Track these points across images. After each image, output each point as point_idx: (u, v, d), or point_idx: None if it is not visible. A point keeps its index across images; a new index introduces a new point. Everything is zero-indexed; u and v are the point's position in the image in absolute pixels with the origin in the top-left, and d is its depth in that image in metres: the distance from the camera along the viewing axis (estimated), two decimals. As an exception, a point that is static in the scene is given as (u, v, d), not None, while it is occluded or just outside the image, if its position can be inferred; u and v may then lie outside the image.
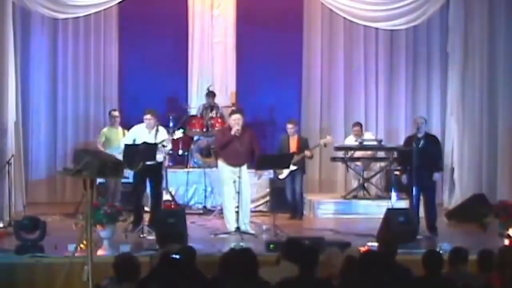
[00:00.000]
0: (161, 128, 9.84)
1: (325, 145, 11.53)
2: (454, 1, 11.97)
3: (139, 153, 9.25)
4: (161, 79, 12.90)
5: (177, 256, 5.47)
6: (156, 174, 9.74)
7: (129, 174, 10.18)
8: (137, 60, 12.99)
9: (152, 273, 5.29)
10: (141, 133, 9.71)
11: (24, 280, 7.56)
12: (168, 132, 9.97)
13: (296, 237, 7.95)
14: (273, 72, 13.10)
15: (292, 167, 10.87)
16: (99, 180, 9.75)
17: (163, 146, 9.70)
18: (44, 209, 11.26)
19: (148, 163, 9.31)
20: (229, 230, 9.50)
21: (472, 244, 7.74)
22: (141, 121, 9.98)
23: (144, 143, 9.40)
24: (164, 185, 10.69)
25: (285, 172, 11.00)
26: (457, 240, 9.06)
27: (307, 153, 11.10)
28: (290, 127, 11.24)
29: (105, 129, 11.58)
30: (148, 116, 9.72)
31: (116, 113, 11.45)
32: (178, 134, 10.19)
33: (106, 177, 8.25)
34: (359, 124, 12.15)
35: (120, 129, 11.30)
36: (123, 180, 10.60)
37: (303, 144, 11.23)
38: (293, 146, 11.17)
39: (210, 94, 12.41)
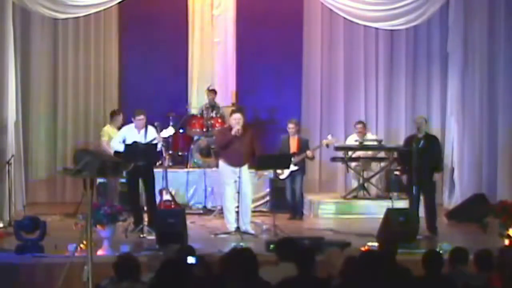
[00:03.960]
0: (150, 128, 9.84)
1: (327, 145, 11.53)
2: (454, 1, 11.96)
3: (139, 153, 9.26)
4: (161, 79, 12.91)
5: (193, 261, 5.44)
6: (147, 174, 9.70)
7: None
8: (137, 60, 12.99)
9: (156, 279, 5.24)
10: (131, 133, 9.73)
11: (24, 280, 7.56)
12: (157, 132, 9.93)
13: (290, 237, 7.92)
14: (273, 72, 13.11)
15: (293, 167, 10.88)
16: (99, 179, 9.78)
17: (163, 146, 9.70)
18: (44, 209, 11.27)
19: (139, 163, 9.28)
20: (229, 230, 9.51)
21: (472, 244, 7.74)
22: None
23: (135, 142, 9.42)
24: (164, 185, 10.69)
25: (286, 172, 11.01)
26: (457, 240, 9.07)
27: (308, 153, 11.10)
28: (291, 126, 11.23)
29: (106, 128, 11.55)
30: (141, 117, 9.74)
31: (120, 118, 11.42)
32: (169, 131, 10.11)
33: (106, 177, 8.28)
34: (361, 122, 12.17)
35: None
36: (121, 180, 10.62)
37: (303, 145, 11.23)
38: (293, 146, 11.17)
39: (211, 92, 12.39)
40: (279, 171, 10.93)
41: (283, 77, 13.21)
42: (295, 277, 5.23)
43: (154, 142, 9.61)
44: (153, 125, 9.98)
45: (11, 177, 10.41)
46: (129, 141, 9.56)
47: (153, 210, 9.61)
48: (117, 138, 9.95)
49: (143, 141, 9.57)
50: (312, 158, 11.33)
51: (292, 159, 10.83)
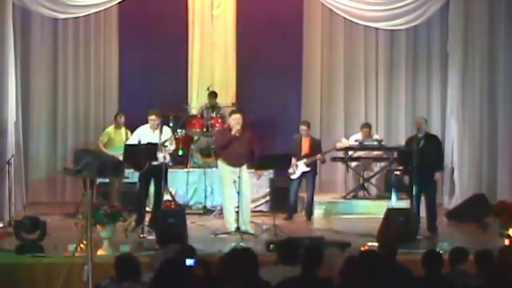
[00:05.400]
0: (165, 128, 9.84)
1: (340, 149, 11.52)
2: (454, 1, 11.96)
3: (141, 153, 9.26)
4: (161, 79, 12.90)
5: (191, 263, 5.43)
6: (160, 175, 9.72)
7: (130, 174, 10.20)
8: (137, 60, 12.98)
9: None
10: (146, 134, 9.71)
11: (25, 280, 7.57)
12: (172, 132, 9.96)
13: (293, 237, 7.91)
14: (273, 72, 13.09)
15: (305, 168, 10.89)
16: (99, 179, 9.78)
17: (164, 146, 9.71)
18: (44, 209, 11.27)
19: (154, 163, 9.32)
20: (229, 230, 9.51)
21: (472, 244, 7.74)
22: (141, 120, 9.97)
23: (148, 143, 9.42)
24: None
25: (298, 172, 10.99)
26: (457, 240, 9.08)
27: (318, 156, 11.06)
28: (303, 128, 11.16)
29: (109, 129, 11.59)
30: (152, 117, 9.72)
31: (122, 120, 11.46)
32: (180, 134, 10.18)
33: (106, 177, 8.26)
34: (368, 125, 12.13)
35: (123, 129, 11.33)
36: (124, 180, 10.62)
37: (315, 146, 11.17)
38: (305, 147, 11.11)
39: (212, 94, 12.40)
40: (290, 171, 10.91)
41: (283, 77, 13.20)
42: (296, 277, 5.23)
43: (166, 143, 9.61)
44: (168, 125, 9.96)
45: (11, 177, 10.42)
46: (144, 141, 9.54)
47: (158, 210, 9.61)
48: (131, 139, 9.95)
49: (157, 141, 9.51)
50: (323, 161, 11.29)
51: (304, 160, 10.85)
